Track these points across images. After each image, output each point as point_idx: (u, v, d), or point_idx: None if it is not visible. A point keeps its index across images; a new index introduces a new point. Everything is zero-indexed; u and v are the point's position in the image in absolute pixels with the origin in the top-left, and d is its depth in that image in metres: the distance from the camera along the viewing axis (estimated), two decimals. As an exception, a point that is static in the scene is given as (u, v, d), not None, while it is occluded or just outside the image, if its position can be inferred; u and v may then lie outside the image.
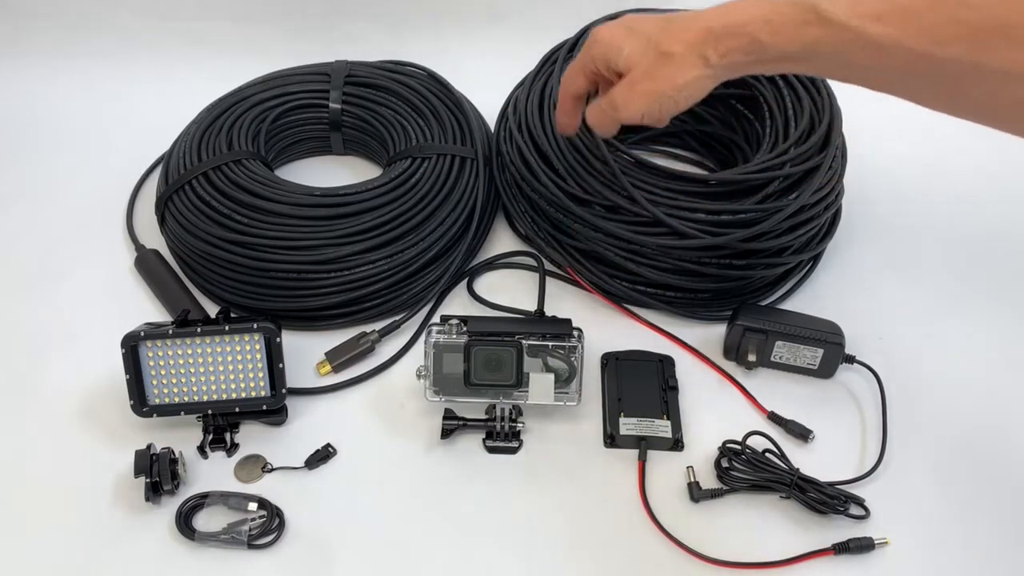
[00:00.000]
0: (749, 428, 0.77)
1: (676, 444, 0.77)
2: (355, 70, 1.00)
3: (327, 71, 1.00)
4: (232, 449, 0.77)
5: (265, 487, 0.74)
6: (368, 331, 0.85)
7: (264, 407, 0.77)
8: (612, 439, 0.77)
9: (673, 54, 0.64)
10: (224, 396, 0.76)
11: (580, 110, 0.76)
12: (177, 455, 0.73)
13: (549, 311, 0.84)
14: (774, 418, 0.79)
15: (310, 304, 0.84)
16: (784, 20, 0.60)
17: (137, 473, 0.71)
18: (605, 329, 0.85)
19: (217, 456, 0.76)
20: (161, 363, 0.74)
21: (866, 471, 0.75)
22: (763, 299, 0.90)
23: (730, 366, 0.84)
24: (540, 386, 0.76)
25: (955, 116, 0.60)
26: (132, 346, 0.73)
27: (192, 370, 0.75)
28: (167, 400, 0.75)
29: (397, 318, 0.86)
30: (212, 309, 0.87)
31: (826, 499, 0.72)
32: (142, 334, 0.73)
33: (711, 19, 0.64)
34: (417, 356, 0.84)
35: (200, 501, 0.72)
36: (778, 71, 0.69)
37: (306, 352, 0.83)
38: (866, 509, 0.72)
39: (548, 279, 0.88)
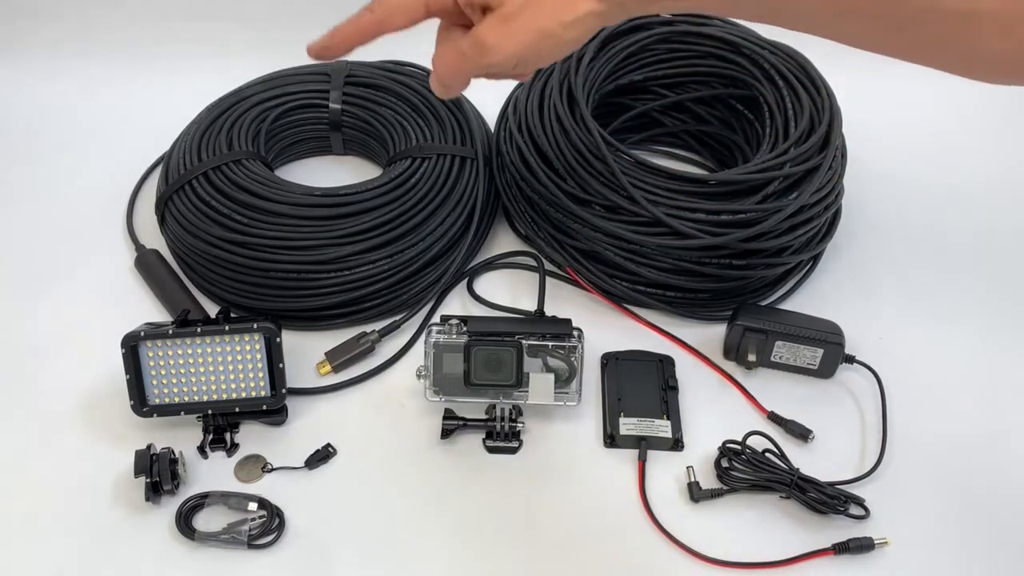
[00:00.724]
0: (749, 428, 0.77)
1: (676, 444, 0.77)
2: (355, 70, 1.00)
3: (327, 71, 1.00)
4: (232, 449, 0.77)
5: (265, 487, 0.74)
6: (368, 331, 0.85)
7: (264, 407, 0.77)
8: (612, 439, 0.77)
9: None
10: (224, 396, 0.76)
11: (372, 37, 0.62)
12: (177, 455, 0.73)
13: (549, 311, 0.84)
14: (774, 418, 0.79)
15: (310, 304, 0.84)
16: None
17: (137, 473, 0.71)
18: (605, 329, 0.85)
19: (217, 456, 0.76)
20: (161, 363, 0.74)
21: (866, 471, 0.75)
22: (763, 299, 0.90)
23: (730, 366, 0.84)
24: (540, 386, 0.76)
25: (888, 53, 0.54)
26: (132, 346, 0.73)
27: (192, 370, 0.75)
28: (167, 400, 0.75)
29: (397, 318, 0.86)
30: (212, 309, 0.87)
31: (826, 499, 0.72)
32: (142, 334, 0.73)
33: None
34: (417, 356, 0.84)
35: (200, 501, 0.72)
36: (682, 7, 0.57)
37: (306, 352, 0.83)
38: (866, 509, 0.72)
39: (548, 279, 0.88)
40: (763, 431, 0.76)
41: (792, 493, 0.72)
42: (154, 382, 0.75)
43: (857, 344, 0.83)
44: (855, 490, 0.73)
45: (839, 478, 0.74)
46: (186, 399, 0.76)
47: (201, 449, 0.76)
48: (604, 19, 0.56)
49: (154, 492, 0.71)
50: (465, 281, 0.91)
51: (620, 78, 0.96)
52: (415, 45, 1.13)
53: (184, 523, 0.71)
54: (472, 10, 0.58)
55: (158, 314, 0.87)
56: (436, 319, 0.86)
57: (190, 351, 0.74)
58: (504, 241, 0.95)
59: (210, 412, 0.76)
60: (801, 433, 0.78)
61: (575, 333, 0.76)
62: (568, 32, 0.55)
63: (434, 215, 0.88)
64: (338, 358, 0.82)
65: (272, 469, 0.75)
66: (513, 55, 0.56)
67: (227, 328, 0.74)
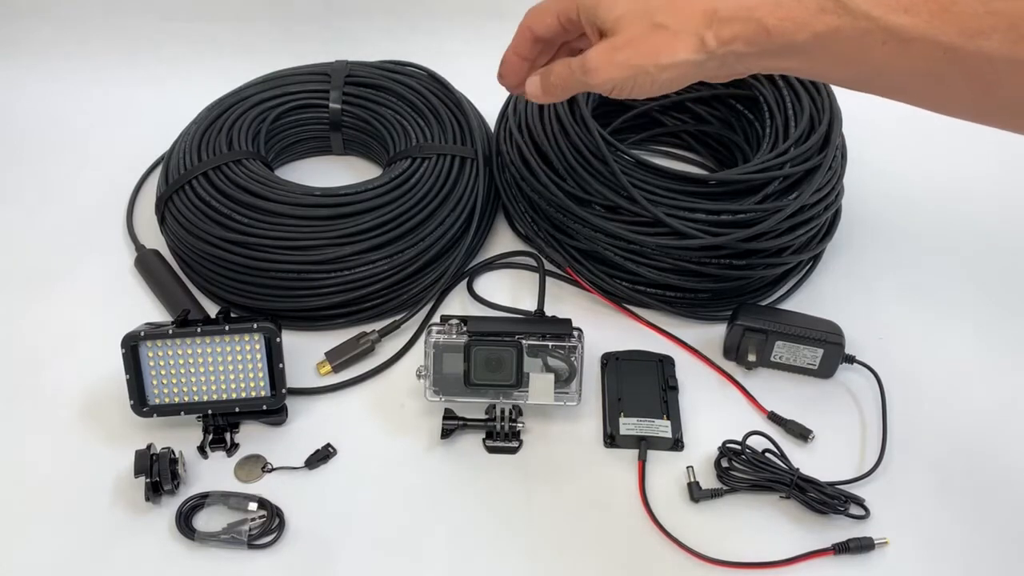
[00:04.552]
0: (749, 428, 0.77)
1: (676, 444, 0.77)
2: (355, 70, 1.00)
3: (327, 71, 1.00)
4: (232, 449, 0.77)
5: (265, 487, 0.74)
6: (368, 331, 0.85)
7: (264, 407, 0.77)
8: (612, 439, 0.77)
9: (668, 27, 0.58)
10: (224, 396, 0.76)
11: (532, 57, 0.69)
12: (177, 455, 0.73)
13: (549, 311, 0.84)
14: (774, 418, 0.79)
15: (310, 304, 0.84)
16: (797, 5, 0.55)
17: (137, 473, 0.71)
18: (605, 329, 0.85)
19: (217, 456, 0.76)
20: (161, 363, 0.74)
21: (866, 471, 0.75)
22: (763, 299, 0.90)
23: (730, 366, 0.84)
24: (540, 386, 0.76)
25: (975, 120, 0.56)
26: (132, 346, 0.73)
27: (192, 370, 0.75)
28: (167, 400, 0.75)
29: (397, 318, 0.86)
30: (212, 309, 0.87)
31: (826, 499, 0.72)
32: (142, 334, 0.73)
33: (718, 0, 0.58)
34: (417, 356, 0.84)
35: (200, 501, 0.72)
36: (781, 68, 0.59)
37: (306, 352, 0.83)
38: (866, 509, 0.72)
39: (548, 279, 0.88)
40: (763, 431, 0.76)
41: (792, 493, 0.72)
42: (154, 382, 0.75)
43: (857, 344, 0.83)
44: (855, 490, 0.74)
45: (839, 478, 0.74)
46: (186, 399, 0.76)
47: (201, 449, 0.76)
48: (702, 70, 0.59)
49: (154, 492, 0.71)
50: (465, 281, 0.91)
51: (620, 78, 0.96)
52: (415, 43, 1.14)
53: (184, 523, 0.71)
54: (592, 30, 0.63)
55: (158, 314, 0.87)
56: (436, 319, 0.86)
57: (190, 351, 0.74)
58: (504, 241, 0.95)
59: (210, 412, 0.76)
60: (801, 433, 0.78)
61: (575, 333, 0.76)
62: (662, 74, 0.60)
63: (434, 215, 0.88)
64: (338, 358, 0.82)
65: (272, 469, 0.75)
66: (609, 81, 0.61)
67: (227, 328, 0.74)
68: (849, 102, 0.90)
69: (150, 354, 0.74)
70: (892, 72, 0.55)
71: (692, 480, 0.74)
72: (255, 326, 0.74)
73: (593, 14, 0.62)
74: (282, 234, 0.83)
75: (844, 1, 0.53)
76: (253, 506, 0.72)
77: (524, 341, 0.76)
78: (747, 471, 0.74)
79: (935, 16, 0.51)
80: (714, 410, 0.80)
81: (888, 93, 0.58)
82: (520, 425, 0.77)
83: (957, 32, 0.51)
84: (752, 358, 0.82)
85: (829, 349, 0.80)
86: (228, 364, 0.75)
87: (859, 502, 0.72)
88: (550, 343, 0.76)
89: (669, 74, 0.60)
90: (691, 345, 0.85)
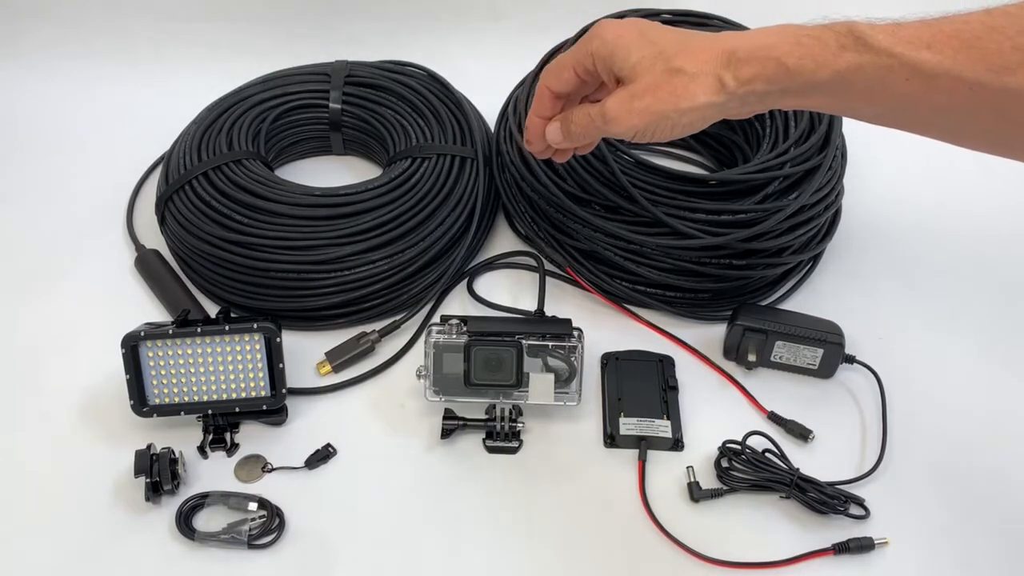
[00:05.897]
0: (749, 428, 0.77)
1: (676, 444, 0.77)
2: (355, 70, 1.00)
3: (327, 71, 1.00)
4: (232, 449, 0.77)
5: (265, 487, 0.74)
6: (368, 331, 0.85)
7: (264, 407, 0.77)
8: (612, 439, 0.77)
9: (685, 71, 0.58)
10: (224, 396, 0.76)
11: (556, 110, 0.69)
12: (177, 455, 0.73)
13: (549, 311, 0.84)
14: (774, 418, 0.79)
15: (310, 304, 0.84)
16: (816, 43, 0.54)
17: (137, 473, 0.71)
18: (605, 329, 0.85)
19: (217, 456, 0.76)
20: (161, 363, 0.74)
21: (866, 471, 0.75)
22: (763, 299, 0.90)
23: (730, 366, 0.84)
24: (540, 386, 0.76)
25: (1001, 155, 0.56)
26: (132, 346, 0.73)
27: (192, 370, 0.75)
28: (167, 400, 0.75)
29: (397, 318, 0.86)
30: (212, 309, 0.87)
31: (826, 499, 0.72)
32: (142, 334, 0.73)
33: (734, 41, 0.58)
34: (417, 356, 0.84)
35: (200, 501, 0.72)
36: (804, 105, 0.59)
37: (306, 352, 0.83)
38: (866, 509, 0.72)
39: (548, 279, 0.88)
40: (763, 431, 0.76)
41: (792, 493, 0.72)
42: (154, 382, 0.75)
43: (857, 344, 0.83)
44: (855, 490, 0.74)
45: (839, 478, 0.74)
46: (186, 399, 0.76)
47: (201, 449, 0.76)
48: (723, 110, 0.59)
49: (154, 492, 0.71)
50: (465, 281, 0.91)
51: (620, 78, 0.96)
52: (415, 43, 1.14)
53: (184, 523, 0.71)
54: (609, 78, 0.63)
55: (158, 314, 0.87)
56: (436, 319, 0.86)
57: (190, 351, 0.74)
58: (504, 241, 0.95)
59: (210, 412, 0.76)
60: (801, 433, 0.78)
61: (575, 333, 0.76)
62: (683, 118, 0.59)
63: (434, 215, 0.88)
64: (338, 358, 0.82)
65: (272, 469, 0.75)
66: (631, 128, 0.61)
67: (227, 328, 0.74)
68: (849, 102, 0.90)
69: (150, 354, 0.74)
70: (917, 108, 0.54)
71: (692, 480, 0.74)
72: (255, 326, 0.74)
73: (609, 62, 0.62)
74: (282, 234, 0.83)
75: (865, 38, 0.53)
76: (253, 506, 0.72)
77: (524, 341, 0.76)
78: (747, 471, 0.74)
79: (959, 52, 0.50)
80: (714, 410, 0.80)
81: (913, 128, 0.57)
82: (520, 425, 0.77)
83: (983, 68, 0.50)
84: (752, 358, 0.82)
85: (829, 349, 0.81)
86: (228, 364, 0.75)
87: (859, 502, 0.72)
88: (550, 343, 0.76)
89: (689, 117, 0.60)
90: (691, 345, 0.85)
